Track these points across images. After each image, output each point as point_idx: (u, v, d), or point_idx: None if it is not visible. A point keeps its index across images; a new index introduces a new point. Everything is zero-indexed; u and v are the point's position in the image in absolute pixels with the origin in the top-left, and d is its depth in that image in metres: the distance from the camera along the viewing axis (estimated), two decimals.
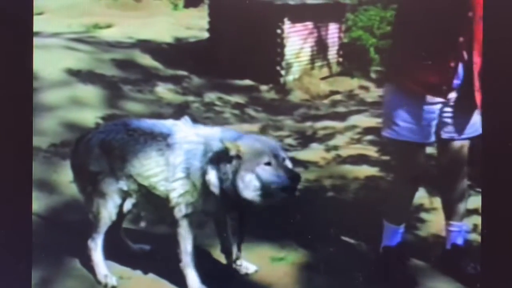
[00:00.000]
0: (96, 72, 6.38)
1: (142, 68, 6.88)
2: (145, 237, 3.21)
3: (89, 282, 2.93)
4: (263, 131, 5.39)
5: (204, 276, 2.85)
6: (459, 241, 3.03)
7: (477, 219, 3.12)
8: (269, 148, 2.62)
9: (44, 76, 5.78)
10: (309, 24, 7.30)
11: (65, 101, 5.48)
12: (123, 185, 2.84)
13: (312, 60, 7.38)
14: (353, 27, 7.69)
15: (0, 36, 2.72)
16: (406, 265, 3.08)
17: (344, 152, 4.82)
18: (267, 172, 2.57)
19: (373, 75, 7.22)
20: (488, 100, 2.71)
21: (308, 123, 5.87)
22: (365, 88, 7.14)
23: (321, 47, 7.43)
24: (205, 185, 2.67)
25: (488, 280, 2.72)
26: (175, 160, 2.74)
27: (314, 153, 4.82)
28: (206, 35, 7.65)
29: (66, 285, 2.92)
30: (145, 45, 7.54)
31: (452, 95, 2.79)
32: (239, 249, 2.93)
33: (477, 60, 2.71)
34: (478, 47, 2.70)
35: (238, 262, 2.99)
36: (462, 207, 3.00)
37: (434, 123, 2.84)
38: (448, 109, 2.82)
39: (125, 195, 2.87)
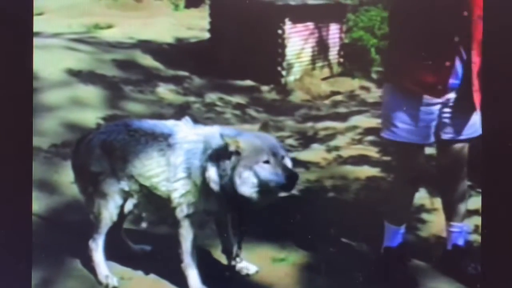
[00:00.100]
0: (97, 73, 6.39)
1: (143, 69, 6.89)
2: (146, 238, 3.21)
3: (90, 282, 2.92)
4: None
5: (205, 277, 2.85)
6: (460, 241, 3.03)
7: (478, 220, 3.11)
8: (268, 146, 2.62)
9: (45, 77, 5.79)
10: (310, 25, 7.30)
11: (66, 102, 5.49)
12: (124, 185, 2.84)
13: (313, 61, 7.38)
14: (354, 27, 7.70)
15: (0, 36, 2.72)
16: (407, 265, 3.08)
17: (345, 153, 4.82)
18: (265, 170, 2.57)
19: (374, 76, 7.22)
20: (488, 100, 2.71)
21: (309, 124, 5.87)
22: (366, 89, 7.14)
23: (322, 48, 7.43)
24: (205, 183, 2.66)
25: (488, 280, 2.72)
26: (176, 160, 2.74)
27: (315, 153, 4.82)
28: (207, 35, 7.66)
29: (67, 286, 2.92)
30: (146, 46, 7.54)
31: (451, 95, 2.79)
32: (239, 247, 2.93)
33: (476, 60, 2.71)
34: (477, 47, 2.69)
35: (238, 259, 2.99)
36: (462, 207, 3.00)
37: (433, 124, 2.83)
38: (448, 109, 2.81)
39: (126, 195, 2.87)
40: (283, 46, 7.12)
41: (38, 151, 4.30)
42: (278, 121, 5.96)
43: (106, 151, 2.85)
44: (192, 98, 6.43)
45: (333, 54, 7.53)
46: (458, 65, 2.74)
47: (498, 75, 2.70)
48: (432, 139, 2.88)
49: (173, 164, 2.74)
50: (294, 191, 3.86)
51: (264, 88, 7.02)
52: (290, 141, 5.21)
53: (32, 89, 2.78)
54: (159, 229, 3.26)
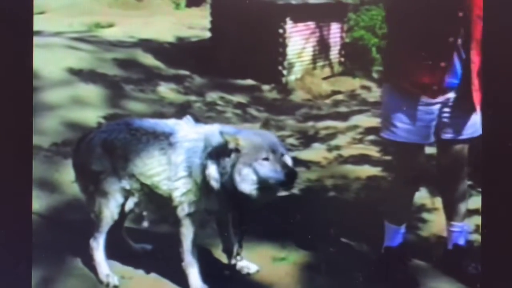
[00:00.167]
0: (98, 72, 6.39)
1: (144, 68, 6.90)
2: (147, 237, 3.21)
3: (91, 281, 2.93)
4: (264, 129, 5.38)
5: (205, 276, 2.85)
6: (461, 241, 3.03)
7: (478, 220, 3.11)
8: (268, 143, 2.62)
9: (45, 75, 5.79)
10: (311, 24, 7.30)
11: (67, 101, 5.49)
12: (126, 184, 2.84)
13: (314, 60, 7.39)
14: (355, 27, 7.70)
15: (0, 35, 2.72)
16: (407, 265, 3.08)
17: (345, 152, 4.83)
18: (264, 167, 2.57)
19: (375, 75, 7.23)
20: (488, 100, 2.71)
21: (310, 123, 5.88)
22: (367, 88, 7.15)
23: (323, 47, 7.44)
24: (206, 182, 2.67)
25: (488, 280, 2.72)
26: (177, 159, 2.74)
27: (316, 153, 4.83)
28: (208, 34, 7.67)
29: (67, 285, 2.92)
30: (147, 45, 7.55)
31: (451, 95, 2.79)
32: (240, 246, 2.93)
33: (475, 59, 2.71)
34: (477, 46, 2.69)
35: (239, 258, 2.99)
36: (463, 207, 3.00)
37: (433, 123, 2.83)
38: (447, 109, 2.81)
39: (127, 194, 2.87)
40: (284, 45, 7.12)
41: (39, 150, 4.30)
42: (279, 120, 5.97)
43: (107, 150, 2.85)
44: (193, 97, 6.44)
45: (334, 53, 7.54)
46: (457, 64, 2.74)
47: (498, 75, 2.70)
48: (432, 138, 2.88)
49: (174, 163, 2.74)
50: (295, 190, 3.87)
51: (265, 87, 7.03)
52: (291, 140, 5.21)
53: (32, 88, 2.78)
54: (160, 228, 3.26)
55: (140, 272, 3.01)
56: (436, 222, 3.46)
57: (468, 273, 2.95)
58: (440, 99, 2.78)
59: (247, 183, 2.58)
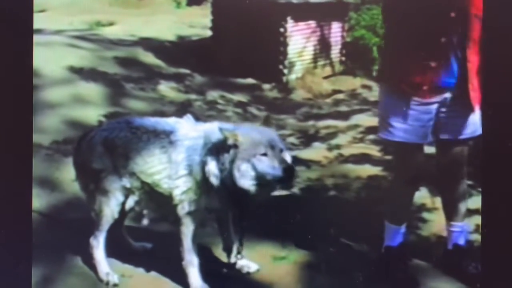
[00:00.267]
0: (98, 70, 6.39)
1: (145, 66, 6.90)
2: (147, 235, 3.21)
3: (91, 280, 2.93)
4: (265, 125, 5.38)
5: (205, 275, 2.85)
6: (461, 241, 3.03)
7: (478, 219, 3.11)
8: (267, 139, 2.62)
9: (46, 74, 5.79)
10: (312, 23, 7.30)
11: (68, 99, 5.49)
12: (126, 182, 2.84)
13: (315, 59, 7.39)
14: (356, 26, 7.69)
15: (0, 33, 2.72)
16: (407, 265, 3.08)
17: (346, 151, 4.83)
18: (262, 163, 2.57)
19: (375, 74, 7.21)
20: (488, 99, 2.71)
21: (311, 122, 5.88)
22: (368, 87, 7.14)
23: (324, 46, 7.44)
24: (206, 179, 2.67)
25: (488, 280, 2.72)
26: (178, 157, 2.74)
27: (317, 152, 4.83)
28: (209, 33, 7.67)
29: (68, 283, 2.92)
30: (148, 43, 7.55)
31: (447, 95, 2.79)
32: (241, 244, 2.93)
33: (473, 59, 2.70)
34: (474, 46, 2.69)
35: (239, 256, 2.99)
36: (462, 207, 3.00)
37: (430, 123, 2.82)
38: (445, 109, 2.80)
39: (127, 192, 2.87)
40: (285, 45, 7.12)
41: (39, 148, 4.30)
42: (280, 119, 5.96)
43: (108, 148, 2.86)
44: (193, 96, 6.43)
45: (335, 52, 7.54)
46: (454, 64, 2.74)
47: (498, 74, 2.69)
48: (430, 138, 2.87)
49: (175, 161, 2.75)
50: (295, 190, 3.87)
51: (266, 86, 7.02)
52: (291, 139, 5.21)
53: (32, 86, 2.78)
54: (160, 227, 3.26)
55: (140, 270, 3.01)
56: (436, 222, 3.46)
57: (468, 273, 2.96)
58: (437, 98, 2.78)
59: (246, 179, 2.58)
